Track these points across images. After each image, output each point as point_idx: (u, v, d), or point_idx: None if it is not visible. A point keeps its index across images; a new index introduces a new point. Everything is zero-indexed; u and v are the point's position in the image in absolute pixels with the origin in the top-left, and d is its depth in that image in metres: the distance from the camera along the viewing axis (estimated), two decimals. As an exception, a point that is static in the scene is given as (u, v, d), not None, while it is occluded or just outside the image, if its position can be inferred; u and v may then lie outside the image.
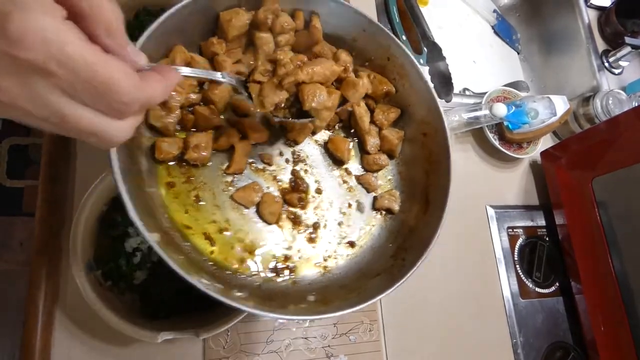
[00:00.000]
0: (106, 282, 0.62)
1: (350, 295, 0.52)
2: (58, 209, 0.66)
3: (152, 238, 0.41)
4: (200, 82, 0.55)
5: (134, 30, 0.72)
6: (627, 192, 0.80)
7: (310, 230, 0.56)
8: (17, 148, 1.64)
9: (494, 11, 1.20)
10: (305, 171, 0.59)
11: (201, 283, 0.42)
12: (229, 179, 0.54)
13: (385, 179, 0.64)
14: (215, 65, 0.55)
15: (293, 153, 0.59)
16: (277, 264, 0.53)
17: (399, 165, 0.64)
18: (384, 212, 0.61)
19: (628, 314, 0.78)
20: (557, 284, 0.92)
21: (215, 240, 0.51)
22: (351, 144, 0.63)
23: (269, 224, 0.54)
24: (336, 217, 0.58)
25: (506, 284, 0.89)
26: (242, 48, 0.59)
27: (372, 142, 0.62)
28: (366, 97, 0.63)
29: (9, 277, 1.45)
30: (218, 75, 0.50)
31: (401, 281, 0.51)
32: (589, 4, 1.12)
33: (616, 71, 1.09)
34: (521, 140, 0.97)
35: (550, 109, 0.94)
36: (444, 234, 0.86)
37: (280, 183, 0.57)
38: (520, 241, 0.94)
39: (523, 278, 0.91)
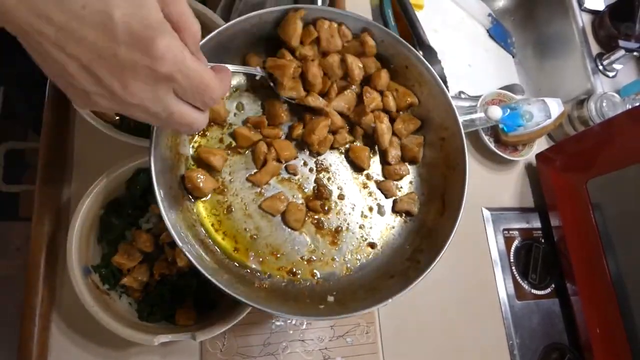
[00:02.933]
0: (103, 285, 0.63)
1: (367, 295, 0.56)
2: (54, 213, 0.66)
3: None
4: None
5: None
6: (622, 194, 0.80)
7: (333, 233, 0.60)
8: (13, 153, 1.63)
9: (489, 15, 1.21)
10: (329, 179, 0.63)
11: (221, 282, 0.48)
12: (258, 190, 0.59)
13: (406, 181, 0.66)
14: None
15: (316, 162, 0.63)
16: (299, 268, 0.58)
17: (420, 167, 0.67)
18: (403, 215, 0.64)
19: (623, 315, 0.79)
20: (553, 285, 0.93)
21: (244, 245, 0.56)
22: (371, 151, 0.66)
23: (294, 230, 0.59)
24: (358, 221, 0.62)
25: (502, 285, 0.89)
26: None
27: (393, 153, 0.65)
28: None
29: (5, 282, 1.45)
30: (255, 70, 0.58)
31: (415, 282, 0.55)
32: (582, 7, 1.13)
33: (610, 74, 1.10)
34: (516, 142, 0.98)
35: (545, 111, 0.95)
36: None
37: (305, 191, 0.61)
38: (516, 243, 0.94)
39: (519, 280, 0.91)
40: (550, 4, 1.16)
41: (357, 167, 0.64)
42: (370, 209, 0.63)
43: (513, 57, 1.24)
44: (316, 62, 0.61)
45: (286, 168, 0.61)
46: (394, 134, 0.65)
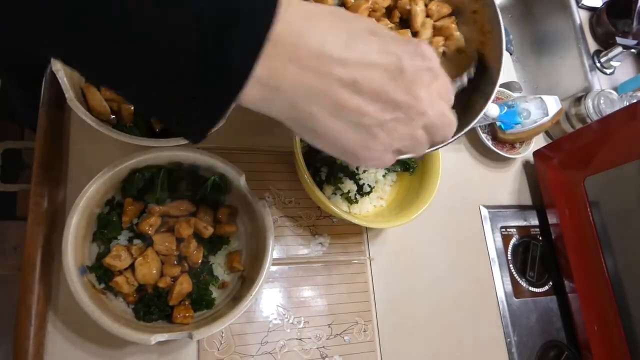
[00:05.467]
0: (99, 284, 0.62)
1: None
2: (50, 212, 0.66)
3: None
4: None
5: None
6: (619, 191, 0.81)
7: None
8: (11, 152, 1.63)
9: (487, 12, 1.21)
10: None
11: None
12: None
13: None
14: None
15: None
16: None
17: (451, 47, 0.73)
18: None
19: (620, 313, 0.79)
20: (551, 283, 0.93)
21: None
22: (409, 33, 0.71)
23: None
24: None
25: (500, 283, 0.89)
26: None
27: (426, 34, 0.70)
28: None
29: (2, 281, 1.45)
30: None
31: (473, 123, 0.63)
32: (580, 4, 1.13)
33: (608, 71, 1.10)
34: (514, 140, 0.98)
35: (543, 109, 0.95)
36: (437, 234, 0.87)
37: None
38: (513, 241, 0.94)
39: (517, 277, 0.91)
40: (547, 1, 1.16)
41: None
42: None
43: (510, 54, 1.23)
44: None
45: None
46: (427, 16, 0.71)
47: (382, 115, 0.37)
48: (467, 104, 0.68)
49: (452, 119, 0.42)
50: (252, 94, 0.33)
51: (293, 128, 0.38)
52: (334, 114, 0.36)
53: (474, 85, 0.69)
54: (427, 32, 0.70)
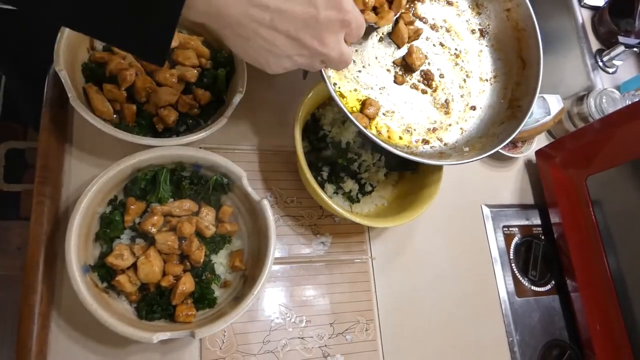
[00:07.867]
0: (102, 283, 0.63)
1: (490, 140, 0.72)
2: (52, 212, 0.66)
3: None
4: None
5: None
6: (621, 190, 0.80)
7: (444, 105, 0.76)
8: (14, 152, 1.64)
9: (488, 12, 1.20)
10: (428, 64, 0.77)
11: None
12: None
13: (483, 52, 0.82)
14: None
15: None
16: (427, 136, 0.74)
17: (490, 40, 0.82)
18: (489, 79, 0.80)
19: (623, 311, 0.79)
20: (553, 282, 0.93)
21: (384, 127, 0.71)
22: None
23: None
24: (458, 92, 0.78)
25: (502, 282, 0.89)
26: None
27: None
28: None
29: (6, 282, 1.45)
30: None
31: (526, 118, 0.71)
32: (582, 3, 1.13)
33: (610, 70, 1.09)
34: (516, 139, 0.97)
35: (545, 108, 0.94)
36: (439, 233, 0.87)
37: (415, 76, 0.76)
38: (515, 240, 0.94)
39: (519, 277, 0.91)
40: (550, 0, 1.16)
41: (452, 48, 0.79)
42: (464, 80, 0.78)
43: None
44: None
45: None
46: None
47: (289, 50, 0.49)
48: (511, 103, 0.77)
49: (349, 57, 0.54)
50: (197, 9, 0.42)
51: (224, 39, 0.49)
52: (252, 41, 0.48)
53: (517, 80, 0.78)
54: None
